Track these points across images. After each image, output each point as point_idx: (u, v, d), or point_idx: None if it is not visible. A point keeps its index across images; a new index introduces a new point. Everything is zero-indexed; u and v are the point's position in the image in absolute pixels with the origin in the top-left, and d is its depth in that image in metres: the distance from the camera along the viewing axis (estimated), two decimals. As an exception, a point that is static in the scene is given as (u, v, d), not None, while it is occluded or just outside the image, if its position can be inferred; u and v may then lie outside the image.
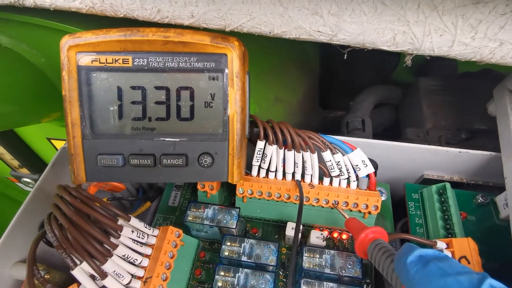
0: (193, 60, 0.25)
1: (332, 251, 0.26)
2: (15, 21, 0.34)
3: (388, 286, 0.26)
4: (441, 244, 0.25)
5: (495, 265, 0.28)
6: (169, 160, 0.26)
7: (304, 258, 0.26)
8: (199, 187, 0.31)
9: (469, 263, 0.23)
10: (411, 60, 0.27)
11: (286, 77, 0.54)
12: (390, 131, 0.58)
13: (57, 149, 0.55)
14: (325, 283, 0.24)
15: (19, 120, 0.41)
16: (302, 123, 0.57)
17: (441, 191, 0.30)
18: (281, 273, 0.28)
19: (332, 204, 0.29)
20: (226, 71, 0.25)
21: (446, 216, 0.29)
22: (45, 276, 0.28)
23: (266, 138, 0.30)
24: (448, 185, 0.30)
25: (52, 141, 0.54)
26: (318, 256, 0.26)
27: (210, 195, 0.32)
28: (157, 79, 0.25)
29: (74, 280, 0.25)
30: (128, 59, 0.25)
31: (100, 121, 0.25)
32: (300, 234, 0.29)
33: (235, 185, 0.30)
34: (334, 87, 0.72)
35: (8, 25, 0.35)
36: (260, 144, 0.30)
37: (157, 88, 0.26)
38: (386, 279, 0.21)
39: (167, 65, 0.25)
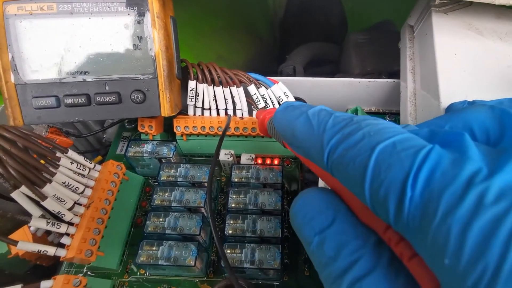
0: (117, 4, 0.28)
1: (257, 166, 0.30)
2: None
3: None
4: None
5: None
6: (102, 97, 0.29)
7: (233, 174, 0.29)
8: (139, 128, 0.34)
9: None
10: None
11: (230, 40, 0.57)
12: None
13: None
14: (250, 190, 0.28)
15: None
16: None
17: (355, 114, 0.35)
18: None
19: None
20: (148, 13, 0.28)
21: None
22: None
23: (197, 78, 0.33)
24: (359, 108, 0.35)
25: None
26: (245, 171, 0.30)
27: (152, 136, 0.35)
28: (84, 23, 0.28)
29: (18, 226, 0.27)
30: (52, 5, 0.27)
31: (30, 66, 0.27)
32: (232, 158, 0.33)
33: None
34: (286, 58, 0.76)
35: None
36: (192, 83, 0.33)
37: (85, 32, 0.28)
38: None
39: (92, 9, 0.27)
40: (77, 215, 0.27)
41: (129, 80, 0.29)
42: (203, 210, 0.28)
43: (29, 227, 0.29)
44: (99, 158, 0.39)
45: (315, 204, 0.14)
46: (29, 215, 0.25)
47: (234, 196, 0.28)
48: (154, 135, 0.34)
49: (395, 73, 0.48)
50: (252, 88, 0.33)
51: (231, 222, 0.27)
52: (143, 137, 0.35)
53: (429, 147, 0.10)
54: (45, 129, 0.33)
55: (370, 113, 0.41)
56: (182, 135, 0.34)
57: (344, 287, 0.11)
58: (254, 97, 0.33)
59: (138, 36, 0.29)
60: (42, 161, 0.25)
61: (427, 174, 0.09)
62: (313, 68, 0.56)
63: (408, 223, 0.10)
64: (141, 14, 0.28)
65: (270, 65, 0.64)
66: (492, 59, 0.29)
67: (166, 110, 0.30)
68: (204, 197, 0.28)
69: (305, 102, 0.41)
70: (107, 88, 0.29)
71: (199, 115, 0.34)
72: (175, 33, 0.31)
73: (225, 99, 0.33)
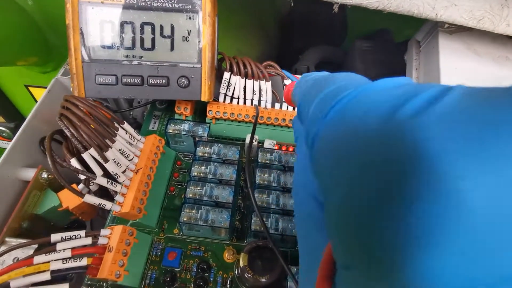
0: (174, 2, 0.32)
1: (279, 151, 0.35)
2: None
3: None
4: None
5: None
6: (154, 80, 0.33)
7: (259, 154, 0.35)
8: (176, 109, 0.39)
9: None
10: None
11: (247, 35, 0.62)
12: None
13: (34, 98, 0.59)
14: (274, 170, 0.34)
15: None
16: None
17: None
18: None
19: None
20: (200, 12, 0.33)
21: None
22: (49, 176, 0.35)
23: (231, 70, 0.37)
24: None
25: (30, 88, 0.57)
26: (269, 154, 0.35)
27: (185, 117, 0.39)
28: (145, 16, 0.32)
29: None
30: (120, -4, 0.31)
31: (96, 47, 0.32)
32: (257, 143, 0.38)
33: (205, 113, 0.38)
34: (289, 53, 0.81)
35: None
36: (227, 75, 0.37)
37: (144, 23, 0.32)
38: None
39: (153, 5, 0.32)
40: (128, 178, 0.32)
41: (177, 66, 0.34)
42: (233, 183, 0.33)
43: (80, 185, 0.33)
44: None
45: None
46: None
47: (260, 174, 0.33)
48: (187, 116, 0.39)
49: (397, 81, 0.54)
50: (287, 83, 0.38)
51: (258, 195, 0.32)
52: (176, 117, 0.40)
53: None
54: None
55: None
56: (212, 119, 0.39)
57: None
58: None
59: (187, 30, 0.33)
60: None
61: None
62: (322, 69, 0.62)
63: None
64: (194, 11, 0.33)
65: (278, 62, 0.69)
66: (485, 76, 0.35)
67: (206, 95, 0.35)
68: (235, 172, 0.33)
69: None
70: (158, 72, 0.33)
71: (228, 103, 0.39)
72: (217, 29, 0.35)
73: (253, 91, 0.38)
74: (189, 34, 0.33)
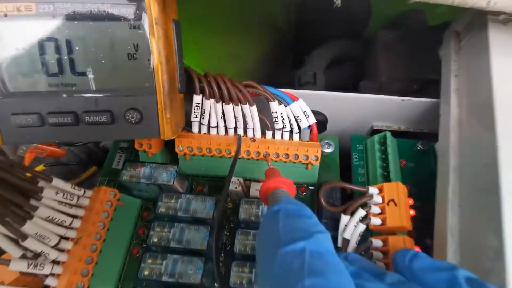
0: (108, 6, 0.23)
1: (268, 202, 0.26)
2: None
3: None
4: (372, 189, 0.25)
5: (429, 207, 0.28)
6: (92, 117, 0.25)
7: (241, 209, 0.26)
8: (137, 146, 0.30)
9: (396, 205, 0.24)
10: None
11: (244, 34, 0.52)
12: (355, 87, 0.57)
13: None
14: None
15: None
16: (265, 81, 0.55)
17: (382, 140, 0.30)
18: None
19: (263, 155, 0.29)
20: (146, 19, 0.23)
21: (385, 164, 0.29)
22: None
23: (202, 92, 0.28)
24: (388, 134, 0.30)
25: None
26: (255, 206, 0.26)
27: (151, 154, 0.31)
28: (68, 29, 0.23)
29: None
30: (31, 6, 0.22)
31: (8, 77, 0.23)
32: (240, 188, 0.29)
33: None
34: (307, 47, 0.70)
35: None
36: (197, 98, 0.28)
37: (72, 39, 0.23)
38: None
39: (77, 11, 0.23)
40: (64, 251, 0.24)
41: (123, 96, 0.25)
42: (204, 252, 0.24)
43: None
44: (94, 168, 0.36)
45: None
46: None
47: (241, 238, 0.24)
48: (154, 153, 0.30)
49: (429, 83, 0.42)
50: (275, 106, 0.28)
51: (236, 269, 0.23)
52: (141, 154, 0.31)
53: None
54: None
55: (398, 132, 0.36)
56: (185, 155, 0.30)
57: None
58: (274, 115, 0.29)
59: (134, 44, 0.24)
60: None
61: None
62: (333, 68, 0.51)
63: None
64: (137, 18, 0.23)
65: (286, 62, 0.58)
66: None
67: (166, 132, 0.26)
68: (207, 237, 0.24)
69: (327, 118, 0.37)
70: (97, 105, 0.25)
71: (205, 133, 0.30)
72: (179, 39, 0.26)
73: (235, 117, 0.29)
74: (136, 50, 0.24)
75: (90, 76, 0.24)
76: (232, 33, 0.47)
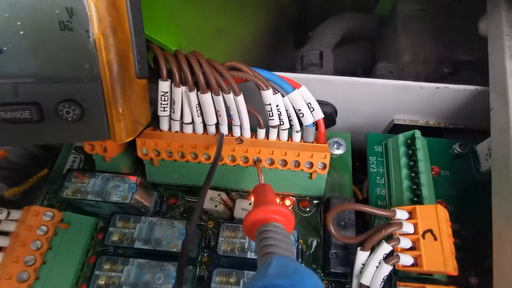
0: None
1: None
2: None
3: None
4: (401, 213, 0.18)
5: (471, 231, 0.22)
6: (11, 112, 0.18)
7: (220, 240, 0.19)
8: (87, 148, 0.23)
9: (435, 239, 0.17)
10: None
11: (236, 7, 0.43)
12: (367, 71, 0.49)
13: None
14: (245, 272, 0.18)
15: None
16: (261, 63, 0.48)
17: (409, 141, 0.23)
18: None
19: (253, 161, 0.22)
20: (79, -33, 0.16)
21: (413, 174, 0.22)
22: None
23: (171, 77, 0.21)
24: (418, 134, 0.23)
25: None
26: (240, 235, 0.19)
27: (109, 159, 0.24)
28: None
29: None
30: None
31: None
32: (222, 206, 0.22)
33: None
34: (312, 21, 0.61)
35: None
36: (163, 85, 0.21)
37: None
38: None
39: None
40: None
41: (53, 83, 0.18)
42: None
43: None
44: (45, 171, 0.29)
45: None
46: None
47: (219, 280, 0.18)
48: (112, 158, 0.23)
49: (462, 64, 0.35)
50: (268, 95, 0.21)
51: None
52: (96, 158, 0.24)
53: None
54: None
55: (427, 127, 0.29)
56: (151, 160, 0.23)
57: None
58: (267, 108, 0.21)
59: (67, 8, 0.17)
60: None
61: None
62: (345, 47, 0.43)
63: None
64: (67, -32, 0.16)
65: (286, 41, 0.50)
66: None
67: (118, 132, 0.19)
68: (172, 279, 0.18)
69: (336, 110, 0.29)
70: (17, 95, 0.18)
71: (177, 131, 0.23)
72: (134, 1, 0.18)
73: (216, 111, 0.22)
74: (70, 16, 0.17)
75: (4, 53, 0.17)
76: (222, 5, 0.39)
